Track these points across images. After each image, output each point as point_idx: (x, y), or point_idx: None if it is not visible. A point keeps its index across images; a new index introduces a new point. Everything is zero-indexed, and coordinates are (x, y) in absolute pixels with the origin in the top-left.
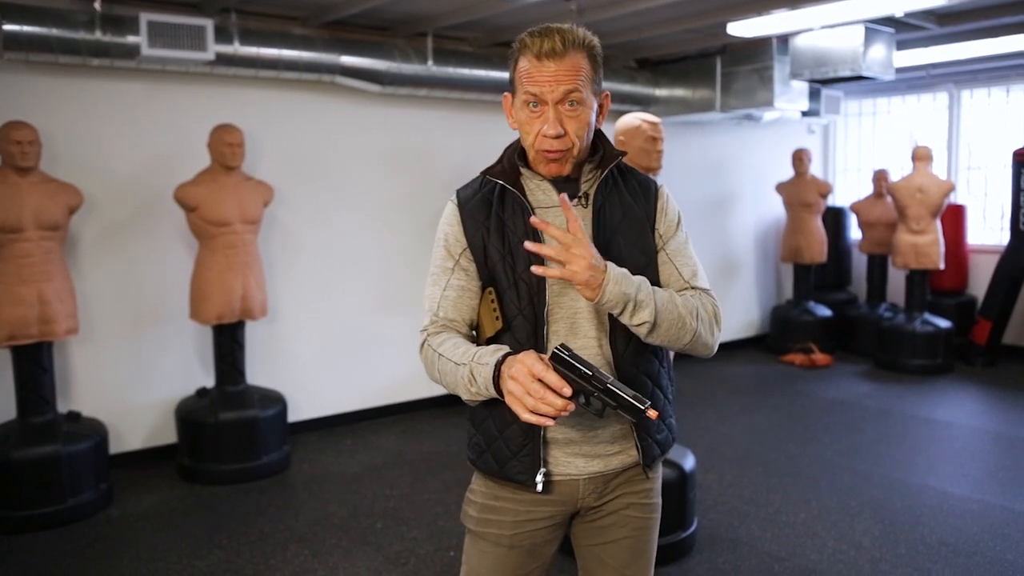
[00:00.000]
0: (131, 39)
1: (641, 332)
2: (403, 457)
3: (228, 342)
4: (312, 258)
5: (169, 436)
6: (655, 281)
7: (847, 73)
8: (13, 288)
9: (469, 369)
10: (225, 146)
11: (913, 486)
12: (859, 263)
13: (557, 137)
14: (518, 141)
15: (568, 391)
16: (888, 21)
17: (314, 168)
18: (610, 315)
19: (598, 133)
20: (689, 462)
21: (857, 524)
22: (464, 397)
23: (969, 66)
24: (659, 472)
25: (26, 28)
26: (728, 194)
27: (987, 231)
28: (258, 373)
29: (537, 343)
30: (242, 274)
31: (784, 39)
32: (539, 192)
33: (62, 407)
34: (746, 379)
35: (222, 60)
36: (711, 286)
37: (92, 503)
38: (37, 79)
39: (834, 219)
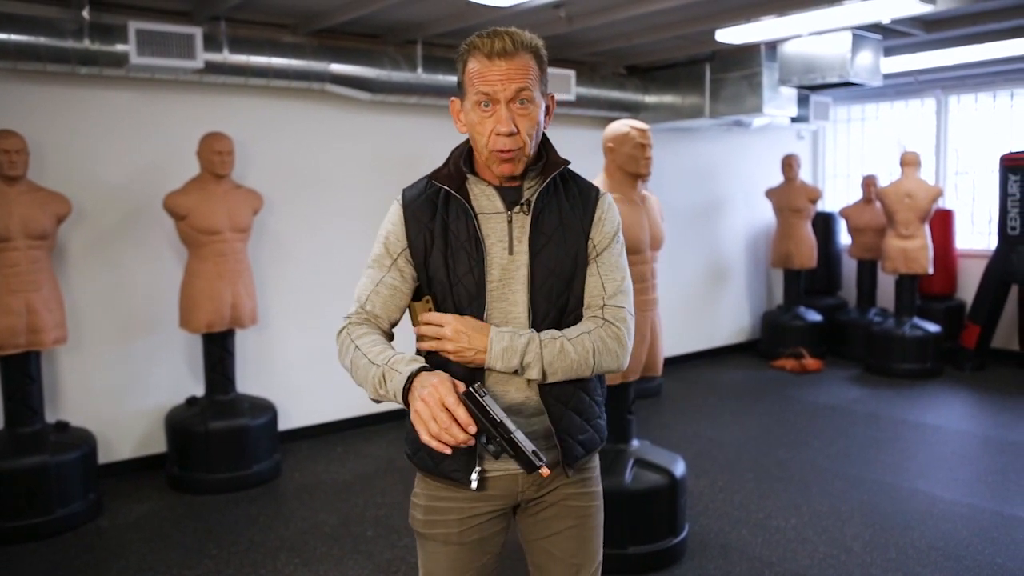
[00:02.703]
0: (120, 47)
1: (534, 382)
2: (394, 465)
3: (218, 350)
4: (302, 266)
5: (159, 445)
6: (582, 288)
7: (835, 79)
8: (0, 297)
9: (382, 371)
10: (215, 154)
11: (903, 490)
12: (849, 268)
13: (510, 135)
14: (465, 145)
15: (473, 429)
16: (875, 28)
17: (304, 176)
18: (534, 320)
19: (544, 140)
20: (679, 468)
21: (847, 529)
22: (369, 395)
23: (956, 72)
24: (595, 462)
25: (14, 37)
26: (718, 200)
27: (975, 236)
28: (248, 381)
29: None
30: (232, 282)
31: (773, 46)
32: (483, 198)
33: (50, 417)
34: (737, 385)
35: (211, 68)
36: (700, 294)
37: (81, 513)
38: (25, 88)
39: (824, 224)
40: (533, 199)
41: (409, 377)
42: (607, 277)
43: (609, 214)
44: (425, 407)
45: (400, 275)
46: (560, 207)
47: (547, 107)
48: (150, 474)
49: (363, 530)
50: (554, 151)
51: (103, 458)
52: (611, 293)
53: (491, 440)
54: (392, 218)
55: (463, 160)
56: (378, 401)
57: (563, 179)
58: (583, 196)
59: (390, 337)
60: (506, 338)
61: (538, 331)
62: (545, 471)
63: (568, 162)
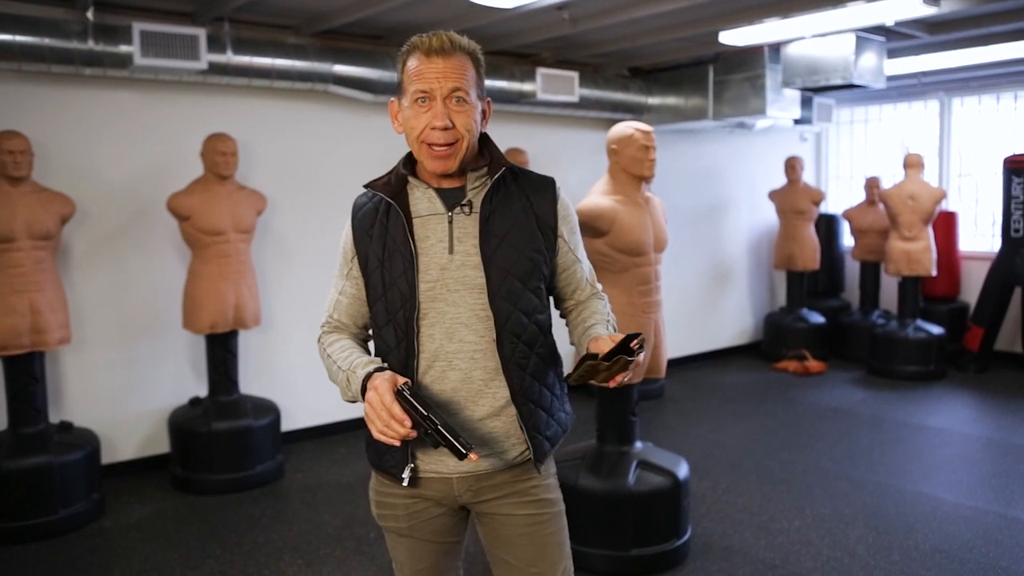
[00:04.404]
0: (124, 48)
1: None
2: None
3: (221, 351)
4: (305, 267)
5: (162, 446)
6: (538, 285)
7: (838, 81)
8: (5, 298)
9: (346, 376)
10: (218, 155)
11: (907, 493)
12: (852, 270)
13: (445, 129)
14: (409, 154)
15: (408, 423)
16: (879, 30)
17: (307, 177)
18: (497, 322)
19: (486, 141)
20: (683, 470)
21: (851, 531)
22: (343, 398)
23: (959, 74)
24: (551, 468)
25: (19, 38)
26: (721, 202)
27: (978, 238)
28: (251, 382)
29: (408, 348)
30: (235, 283)
31: (776, 48)
32: (423, 201)
33: (54, 417)
34: (740, 386)
35: (215, 69)
36: (703, 295)
37: (84, 514)
38: (29, 88)
39: (827, 226)
40: (478, 201)
41: (365, 379)
42: (585, 264)
43: (569, 207)
44: (370, 407)
45: (355, 284)
46: (511, 207)
47: (483, 111)
48: (153, 475)
49: (366, 531)
50: (497, 151)
51: (106, 458)
52: (592, 280)
53: (425, 432)
54: (346, 228)
55: (403, 164)
56: (352, 402)
57: (515, 177)
58: (540, 189)
59: (366, 339)
60: None
61: (499, 336)
62: (474, 456)
63: (509, 163)
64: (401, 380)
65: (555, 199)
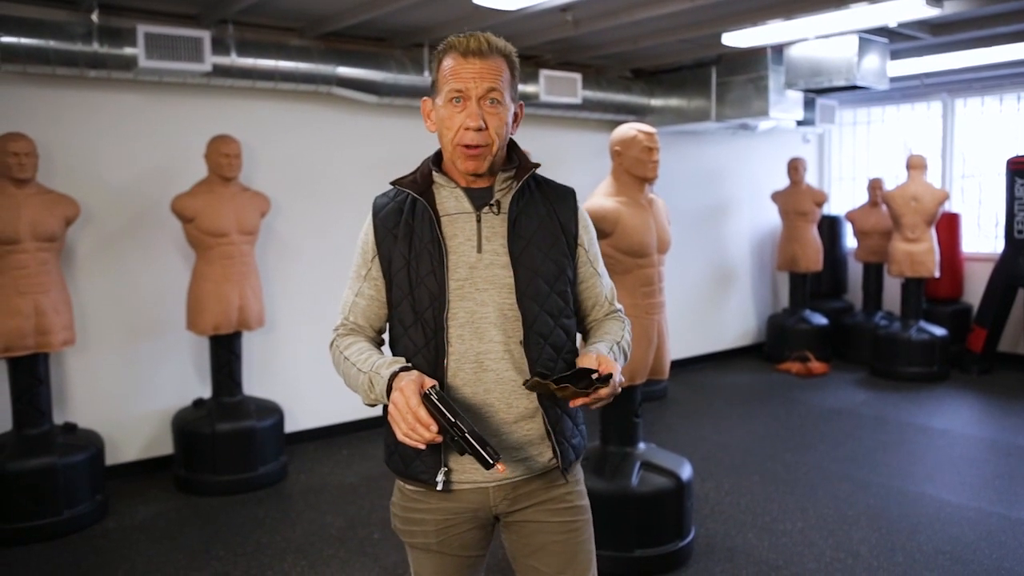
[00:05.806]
0: (128, 51)
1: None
2: None
3: (225, 353)
4: (309, 268)
5: (165, 447)
6: (564, 289)
7: (841, 83)
8: (9, 299)
9: (368, 378)
10: (222, 157)
11: (910, 494)
12: (855, 271)
13: (479, 130)
14: (437, 152)
15: (434, 428)
16: (882, 31)
17: (311, 179)
18: (524, 322)
19: (513, 145)
20: (686, 471)
21: (854, 532)
22: (364, 401)
23: (962, 75)
24: (579, 475)
25: (23, 40)
26: (724, 203)
27: (982, 239)
28: (255, 384)
29: (438, 348)
30: (239, 285)
31: (779, 49)
32: (451, 200)
33: (58, 418)
34: (743, 388)
35: (219, 71)
36: (706, 297)
37: (88, 515)
38: (34, 91)
39: (830, 228)
40: (506, 201)
41: (390, 379)
42: (605, 282)
43: (587, 216)
44: (395, 409)
45: (375, 285)
46: (537, 211)
47: (515, 114)
48: (157, 476)
49: (369, 532)
50: (524, 155)
51: (110, 460)
52: (611, 298)
53: (451, 439)
54: (365, 227)
55: (431, 162)
56: (372, 405)
57: (538, 184)
58: (561, 199)
59: (380, 343)
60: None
61: (527, 336)
62: (501, 468)
63: (538, 165)
64: (429, 383)
65: (576, 209)
